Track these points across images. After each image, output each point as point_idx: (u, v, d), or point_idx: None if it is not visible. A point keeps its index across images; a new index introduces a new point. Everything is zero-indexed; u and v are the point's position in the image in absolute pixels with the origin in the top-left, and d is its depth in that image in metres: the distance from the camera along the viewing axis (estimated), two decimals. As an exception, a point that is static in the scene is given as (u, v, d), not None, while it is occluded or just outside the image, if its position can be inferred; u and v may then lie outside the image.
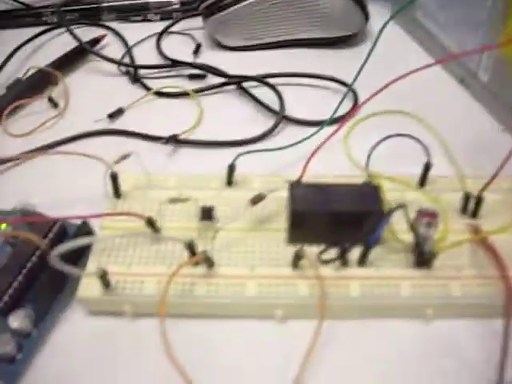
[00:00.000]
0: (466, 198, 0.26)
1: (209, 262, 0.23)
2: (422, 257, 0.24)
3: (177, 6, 0.47)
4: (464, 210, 0.27)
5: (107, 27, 0.46)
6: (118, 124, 0.36)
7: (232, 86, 0.38)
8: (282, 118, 0.34)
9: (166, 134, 0.33)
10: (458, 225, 0.26)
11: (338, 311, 0.23)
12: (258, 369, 0.22)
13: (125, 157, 0.26)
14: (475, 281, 0.24)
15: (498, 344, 0.21)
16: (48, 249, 0.24)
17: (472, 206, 0.26)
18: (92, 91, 0.39)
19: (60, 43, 0.44)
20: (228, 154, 0.29)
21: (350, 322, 0.24)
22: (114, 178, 0.27)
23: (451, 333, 0.23)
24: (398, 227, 0.25)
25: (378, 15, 0.43)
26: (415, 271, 0.24)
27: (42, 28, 0.45)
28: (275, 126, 0.34)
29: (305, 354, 0.21)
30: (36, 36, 0.44)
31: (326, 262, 0.24)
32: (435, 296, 0.23)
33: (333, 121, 0.33)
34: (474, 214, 0.27)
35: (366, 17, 0.42)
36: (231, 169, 0.28)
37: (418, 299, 0.23)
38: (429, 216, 0.23)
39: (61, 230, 0.26)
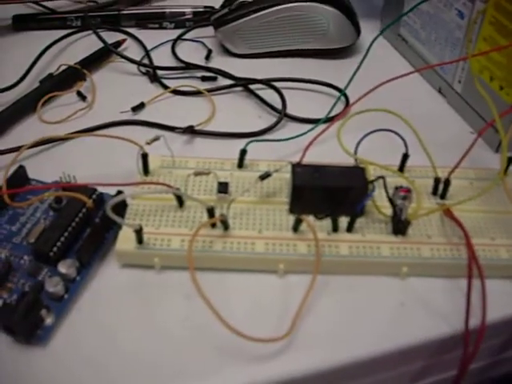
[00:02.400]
0: (436, 181, 0.31)
1: (225, 224, 0.28)
2: (399, 225, 0.29)
3: (190, 16, 0.52)
4: (435, 192, 0.32)
5: (126, 32, 0.50)
6: (140, 116, 0.40)
7: (240, 88, 0.43)
8: (284, 115, 0.40)
9: (182, 125, 0.38)
10: (429, 204, 0.31)
11: (330, 267, 0.28)
12: (264, 312, 0.27)
13: (156, 139, 0.31)
14: (442, 246, 0.29)
15: (458, 298, 0.27)
16: (92, 208, 0.29)
17: (441, 188, 0.31)
18: (115, 88, 0.43)
19: (83, 45, 0.48)
20: (237, 145, 0.34)
21: (339, 277, 0.29)
22: (145, 157, 0.32)
23: (422, 288, 0.28)
24: (380, 204, 0.30)
25: (368, 30, 0.49)
26: (393, 237, 0.29)
27: (67, 31, 0.49)
28: (278, 122, 0.39)
29: (301, 301, 0.26)
30: (64, 37, 0.48)
31: (320, 218, 0.29)
32: (409, 256, 0.28)
33: (327, 119, 0.38)
34: (443, 196, 0.32)
35: (358, 32, 0.48)
36: (243, 153, 0.33)
37: (396, 258, 0.28)
38: (404, 190, 0.28)
39: (99, 198, 0.31)
